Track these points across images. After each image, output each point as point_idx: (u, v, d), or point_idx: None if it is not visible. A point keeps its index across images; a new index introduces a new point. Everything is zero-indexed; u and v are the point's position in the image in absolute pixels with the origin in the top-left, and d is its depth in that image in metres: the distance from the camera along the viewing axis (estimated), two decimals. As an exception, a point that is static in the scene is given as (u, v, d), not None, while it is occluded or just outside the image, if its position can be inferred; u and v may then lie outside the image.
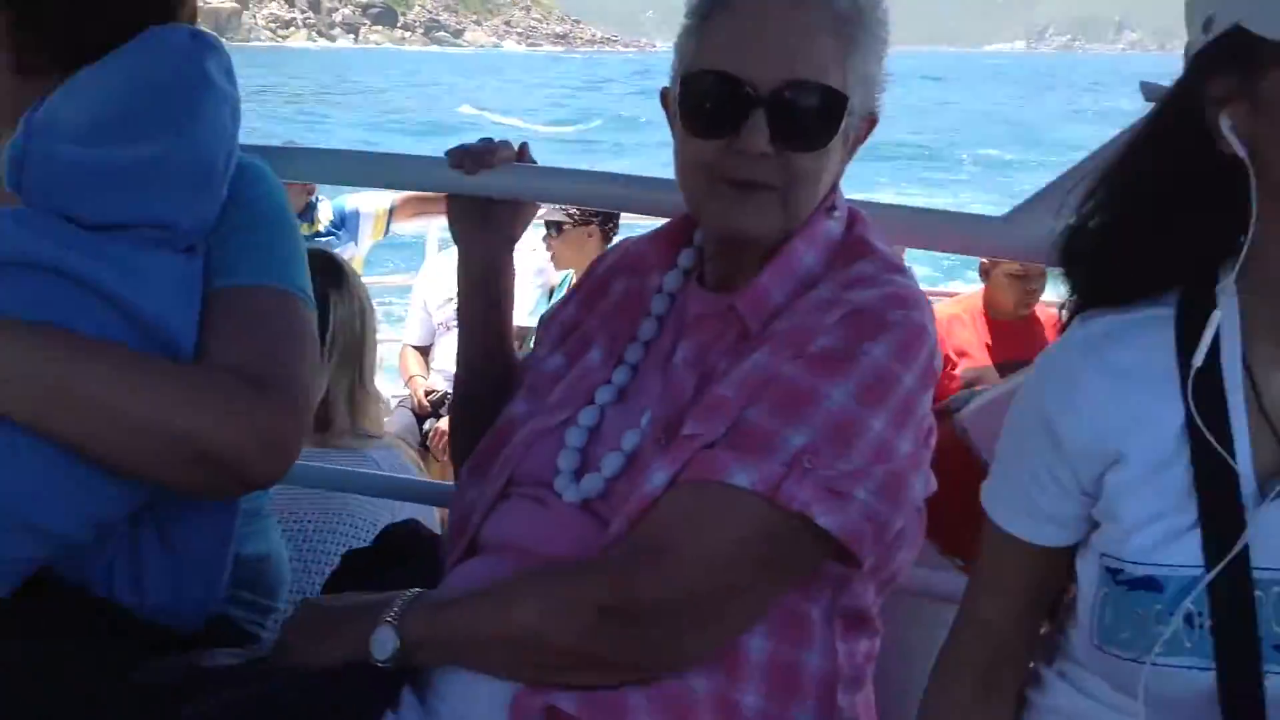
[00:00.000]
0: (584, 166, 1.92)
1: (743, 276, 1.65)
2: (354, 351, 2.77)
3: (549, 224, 5.63)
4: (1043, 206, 1.73)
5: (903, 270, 1.65)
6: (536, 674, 1.52)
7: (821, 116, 1.57)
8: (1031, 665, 1.47)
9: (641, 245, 1.84)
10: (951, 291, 6.89)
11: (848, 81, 1.58)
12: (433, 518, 2.56)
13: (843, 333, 1.53)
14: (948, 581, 1.80)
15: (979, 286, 5.54)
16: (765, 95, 1.54)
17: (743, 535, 1.50)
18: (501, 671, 1.53)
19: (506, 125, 44.27)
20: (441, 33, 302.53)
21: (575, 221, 5.52)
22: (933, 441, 1.65)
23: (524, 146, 2.01)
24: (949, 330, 5.28)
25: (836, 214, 1.68)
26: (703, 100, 1.59)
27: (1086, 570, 1.33)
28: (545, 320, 1.94)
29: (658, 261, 1.79)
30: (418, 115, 48.83)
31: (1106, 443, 1.29)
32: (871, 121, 1.69)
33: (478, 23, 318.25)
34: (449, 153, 1.95)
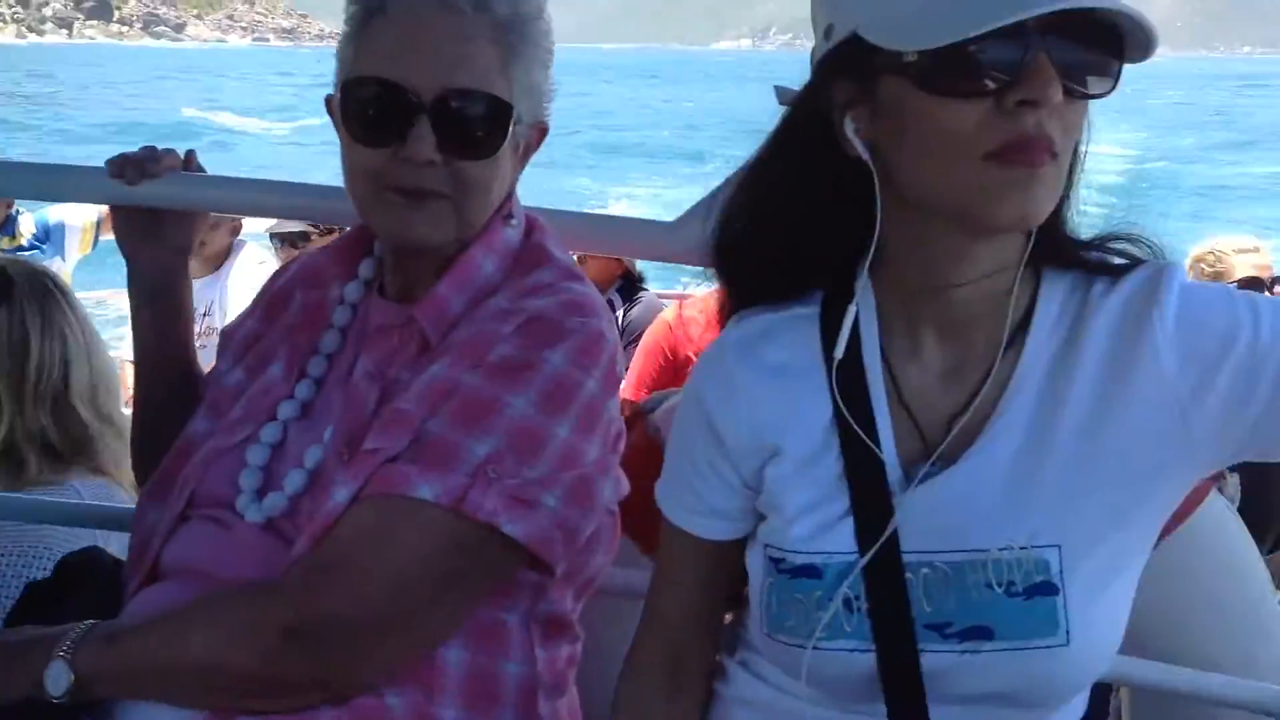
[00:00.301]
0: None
1: (422, 287, 1.63)
2: (13, 377, 2.41)
3: (282, 236, 5.46)
4: (708, 211, 1.78)
5: (580, 278, 1.66)
6: (220, 701, 1.47)
7: (487, 125, 1.56)
8: (718, 658, 1.50)
9: (320, 256, 1.80)
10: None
11: (512, 90, 1.58)
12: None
13: (521, 341, 1.53)
14: (648, 581, 1.82)
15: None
16: (429, 103, 1.52)
17: (428, 549, 1.48)
18: (184, 701, 1.48)
19: (245, 129, 42.83)
20: (161, 27, 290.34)
21: (321, 231, 5.36)
22: (621, 445, 1.66)
23: (190, 154, 1.94)
24: (687, 333, 5.36)
25: (514, 222, 1.68)
26: (366, 108, 1.56)
27: (754, 562, 1.37)
28: (227, 334, 1.86)
29: (338, 272, 1.75)
30: (164, 116, 46.39)
31: (763, 437, 1.33)
32: (542, 130, 1.69)
33: (199, 17, 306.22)
34: (109, 162, 1.86)
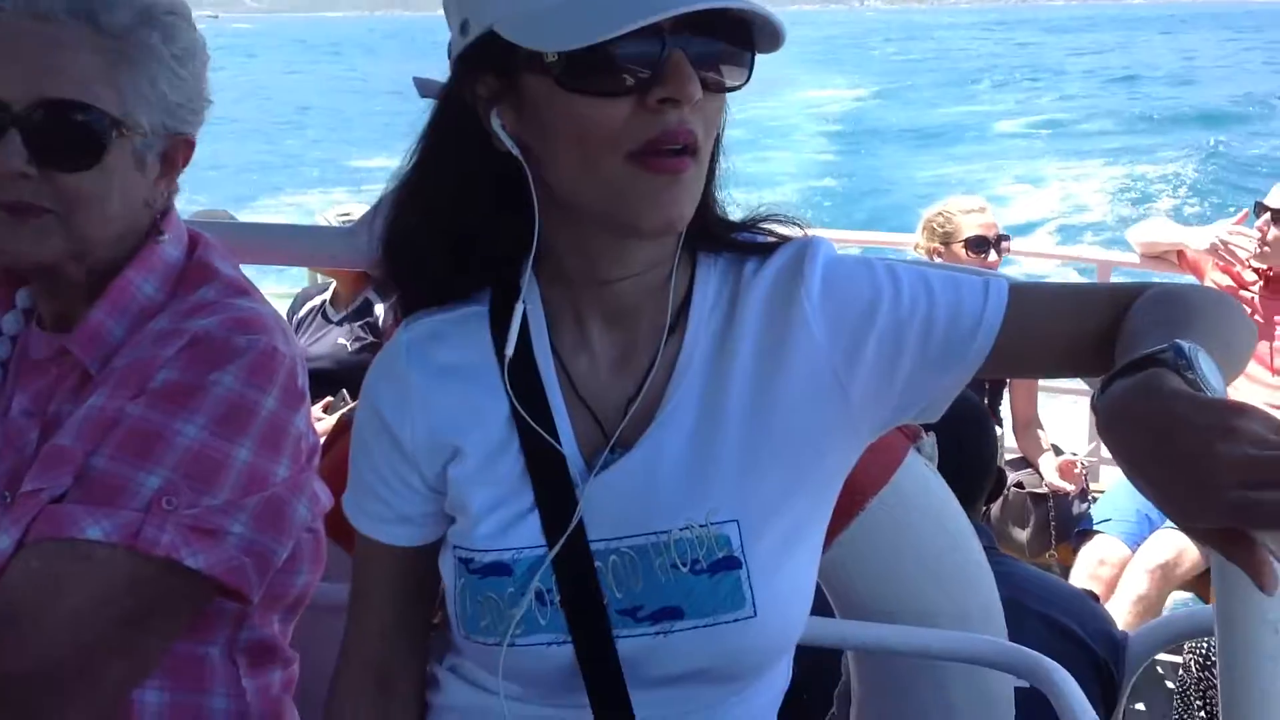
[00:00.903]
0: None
1: (76, 314, 1.53)
2: None
3: None
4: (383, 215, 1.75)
5: (248, 292, 1.58)
6: None
7: (87, 135, 1.46)
8: (429, 667, 1.46)
9: None
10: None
11: (123, 100, 1.48)
12: None
13: (185, 364, 1.45)
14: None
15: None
16: (19, 113, 1.42)
17: (103, 592, 1.38)
18: None
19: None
20: None
21: None
22: (316, 460, 1.61)
23: None
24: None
25: (165, 237, 1.58)
26: None
27: (446, 566, 1.34)
28: None
29: None
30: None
31: (442, 438, 1.31)
32: (186, 143, 1.59)
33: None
34: None
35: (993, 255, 4.54)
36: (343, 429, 1.98)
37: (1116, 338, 1.19)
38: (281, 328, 1.54)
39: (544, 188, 1.22)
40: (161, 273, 1.56)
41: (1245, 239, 4.37)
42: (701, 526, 1.25)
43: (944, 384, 1.29)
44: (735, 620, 1.24)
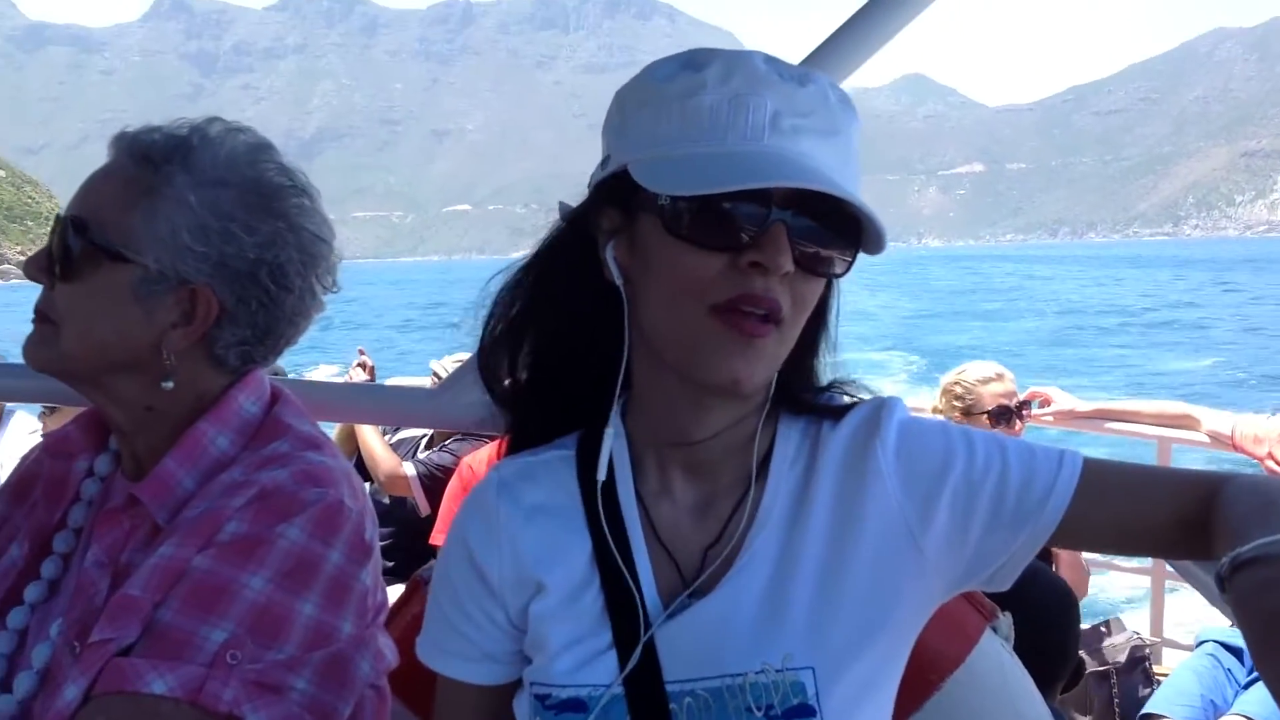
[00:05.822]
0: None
1: (151, 463, 1.56)
2: None
3: (46, 405, 5.35)
4: (469, 378, 1.79)
5: (319, 446, 1.60)
6: None
7: (79, 252, 1.52)
8: None
9: (71, 426, 1.72)
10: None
11: (129, 231, 1.51)
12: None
13: (254, 516, 1.47)
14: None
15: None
16: (54, 227, 1.53)
17: None
18: None
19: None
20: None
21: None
22: (382, 617, 1.61)
23: None
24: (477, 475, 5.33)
25: (244, 397, 1.62)
26: None
27: (521, 706, 1.34)
28: None
29: (88, 443, 1.68)
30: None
31: (527, 573, 1.33)
32: (206, 297, 1.55)
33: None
34: None
35: (1017, 424, 4.45)
36: (415, 589, 1.98)
37: (1214, 525, 1.19)
38: (350, 483, 1.56)
39: (638, 330, 1.27)
40: (236, 427, 1.59)
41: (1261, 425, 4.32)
42: (778, 671, 1.24)
43: (1015, 549, 1.28)
44: None
